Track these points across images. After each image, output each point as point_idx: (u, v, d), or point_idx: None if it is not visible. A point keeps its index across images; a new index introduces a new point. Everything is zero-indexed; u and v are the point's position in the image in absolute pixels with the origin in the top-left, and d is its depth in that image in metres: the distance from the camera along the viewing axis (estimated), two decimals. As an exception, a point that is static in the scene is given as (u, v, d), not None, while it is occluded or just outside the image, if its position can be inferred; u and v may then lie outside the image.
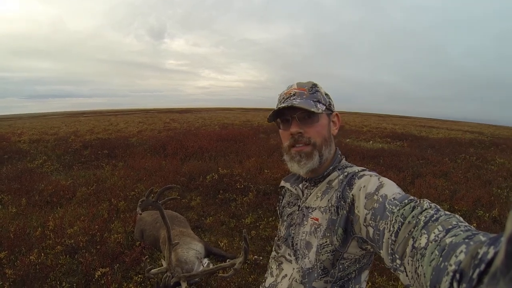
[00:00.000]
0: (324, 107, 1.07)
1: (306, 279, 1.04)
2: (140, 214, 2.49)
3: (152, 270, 2.53)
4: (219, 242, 3.98)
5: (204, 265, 3.07)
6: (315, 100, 1.07)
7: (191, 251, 3.16)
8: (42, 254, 3.56)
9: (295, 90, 1.09)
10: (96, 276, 3.14)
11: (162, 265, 2.64)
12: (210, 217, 4.77)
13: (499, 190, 6.50)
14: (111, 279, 3.10)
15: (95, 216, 4.66)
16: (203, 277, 2.94)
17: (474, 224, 4.65)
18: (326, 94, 1.12)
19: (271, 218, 4.78)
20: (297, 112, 1.04)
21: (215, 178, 6.43)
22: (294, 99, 1.06)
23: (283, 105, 1.05)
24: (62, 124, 22.48)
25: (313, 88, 1.09)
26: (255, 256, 3.61)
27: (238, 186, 6.01)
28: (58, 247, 3.71)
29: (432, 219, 0.61)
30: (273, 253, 1.32)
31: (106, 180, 6.58)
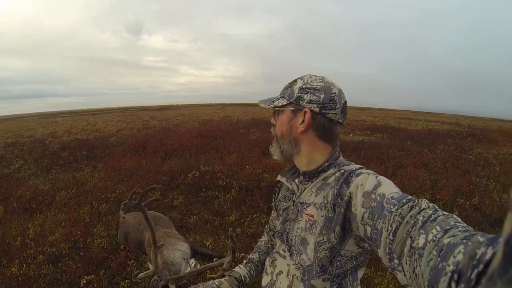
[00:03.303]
0: (285, 102, 1.10)
1: (306, 277, 1.05)
2: (124, 217, 2.46)
3: (140, 275, 2.51)
4: (205, 241, 3.96)
5: (191, 266, 3.06)
6: (280, 96, 1.14)
7: (177, 252, 3.14)
8: (24, 265, 3.46)
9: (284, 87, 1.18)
10: (82, 284, 3.07)
11: (149, 269, 2.62)
12: (194, 216, 4.74)
13: (477, 179, 6.73)
14: (97, 287, 3.05)
15: (76, 221, 4.56)
16: (191, 278, 2.93)
17: (456, 212, 4.79)
18: (303, 89, 1.08)
19: (255, 215, 4.79)
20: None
21: (197, 175, 6.40)
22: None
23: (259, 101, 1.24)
24: (38, 126, 21.83)
25: (291, 84, 1.13)
26: (242, 254, 3.62)
27: (220, 183, 5.99)
28: (40, 256, 3.60)
29: (430, 219, 0.62)
30: (263, 236, 1.43)
31: (86, 183, 6.43)
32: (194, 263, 3.15)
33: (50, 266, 3.47)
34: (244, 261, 1.53)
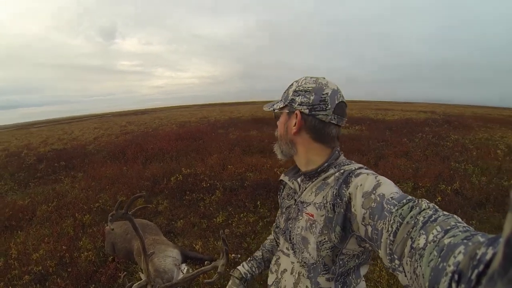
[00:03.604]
0: (282, 105, 1.12)
1: (312, 274, 1.05)
2: (112, 229, 2.41)
3: (133, 286, 2.47)
4: (194, 245, 3.94)
5: (184, 271, 3.04)
6: (280, 99, 1.17)
7: (168, 258, 3.11)
8: (10, 287, 3.37)
9: None
10: (73, 302, 3.01)
11: (141, 279, 2.58)
12: (181, 220, 4.71)
13: (457, 164, 6.98)
14: (89, 302, 3.00)
15: (60, 235, 4.44)
16: (185, 284, 2.91)
17: (439, 198, 4.94)
18: (296, 91, 1.09)
19: (242, 214, 4.80)
20: None
21: (180, 179, 6.36)
22: None
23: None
24: (12, 138, 21.32)
25: (288, 88, 1.14)
26: (233, 254, 3.62)
27: (204, 185, 5.98)
28: (26, 276, 3.49)
29: (431, 219, 0.62)
30: (271, 235, 1.39)
31: (67, 194, 6.29)
32: (186, 268, 3.13)
33: (38, 286, 3.37)
34: (248, 259, 1.52)
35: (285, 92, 1.15)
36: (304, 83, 1.08)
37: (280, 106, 1.13)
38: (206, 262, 3.23)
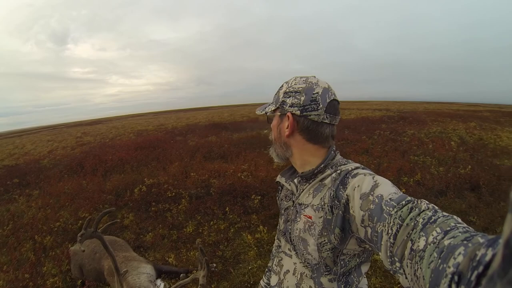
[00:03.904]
0: (274, 108, 1.12)
1: (315, 274, 1.05)
2: (83, 250, 2.30)
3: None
4: (166, 258, 3.85)
5: (161, 287, 2.95)
6: (271, 101, 1.16)
7: (142, 275, 3.01)
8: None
9: None
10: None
11: (116, 300, 2.49)
12: (149, 233, 4.59)
13: (415, 157, 7.38)
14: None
15: (20, 261, 4.14)
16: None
17: (403, 190, 5.12)
18: (286, 93, 1.07)
19: (212, 222, 4.76)
20: None
21: (143, 190, 6.20)
22: None
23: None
24: (-44, 156, 19.88)
25: (279, 88, 1.13)
26: (209, 264, 3.57)
27: (169, 195, 5.88)
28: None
29: (430, 221, 0.62)
30: (276, 241, 1.35)
31: (23, 215, 5.88)
32: (162, 284, 3.04)
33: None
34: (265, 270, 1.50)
35: (276, 94, 1.14)
36: (294, 84, 1.07)
37: (272, 109, 1.12)
38: (181, 275, 3.16)
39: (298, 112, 1.04)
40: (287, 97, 1.07)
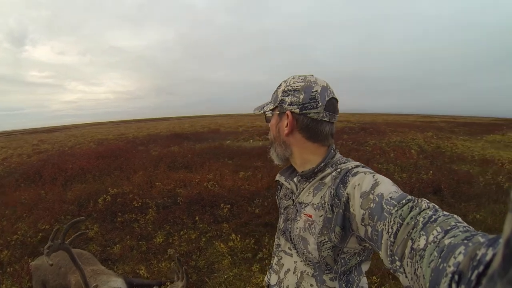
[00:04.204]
0: (272, 107, 1.11)
1: (317, 272, 1.05)
2: (52, 264, 2.16)
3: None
4: (137, 270, 3.71)
5: (133, 302, 2.82)
6: (270, 100, 1.15)
7: (113, 290, 2.86)
8: None
9: None
10: None
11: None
12: (117, 245, 4.40)
13: (379, 165, 7.73)
14: None
15: None
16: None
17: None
18: (285, 91, 1.07)
19: (182, 232, 4.67)
20: None
21: (108, 200, 5.97)
22: None
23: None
24: None
25: (277, 88, 1.12)
26: (188, 274, 3.49)
27: (135, 204, 5.70)
28: None
29: (431, 220, 0.62)
30: (276, 240, 1.32)
31: None
32: (134, 298, 2.91)
33: None
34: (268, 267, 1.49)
35: (274, 93, 1.13)
36: (293, 82, 1.06)
37: (271, 108, 1.12)
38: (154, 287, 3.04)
39: (297, 110, 1.04)
40: (286, 96, 1.06)
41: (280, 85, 1.11)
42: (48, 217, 5.43)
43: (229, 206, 5.45)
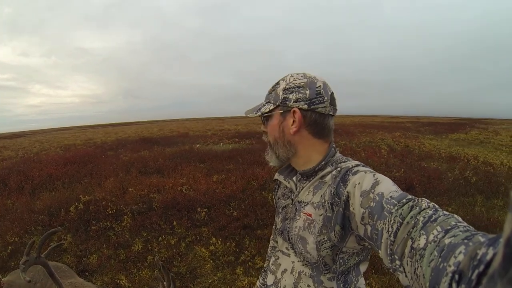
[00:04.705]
0: (272, 107, 1.07)
1: (315, 273, 1.04)
2: (29, 281, 2.05)
3: None
4: (117, 281, 3.61)
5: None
6: (266, 101, 1.11)
7: (94, 303, 2.76)
8: None
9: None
10: None
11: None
12: (93, 255, 4.25)
13: None
14: None
15: None
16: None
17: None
18: (287, 89, 1.05)
19: (160, 238, 4.60)
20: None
21: (80, 208, 5.75)
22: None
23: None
24: None
25: (274, 87, 1.10)
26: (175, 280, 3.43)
27: (109, 211, 5.54)
28: None
29: (431, 219, 0.62)
30: (272, 242, 1.34)
31: None
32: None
33: None
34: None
35: (270, 93, 1.11)
36: (293, 80, 1.05)
37: (271, 108, 1.08)
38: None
39: (305, 106, 1.03)
40: (289, 93, 1.04)
41: (278, 83, 1.09)
42: (17, 229, 5.18)
43: (206, 209, 5.42)
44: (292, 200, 1.13)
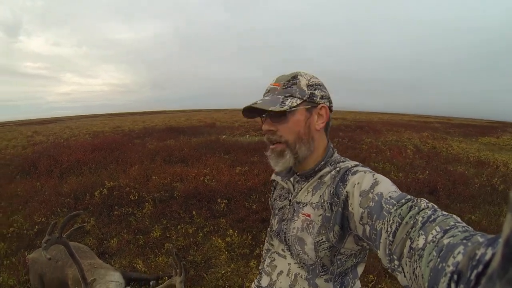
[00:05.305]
0: (299, 101, 1.02)
1: (311, 275, 1.04)
2: (50, 258, 2.13)
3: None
4: (134, 264, 3.71)
5: (131, 296, 2.82)
6: (287, 95, 1.02)
7: (111, 284, 2.84)
8: None
9: (271, 86, 1.08)
10: None
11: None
12: (114, 239, 4.38)
13: (375, 164, 7.76)
14: None
15: None
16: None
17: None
18: (310, 85, 1.04)
19: (179, 226, 4.66)
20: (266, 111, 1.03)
21: (104, 193, 5.94)
22: (267, 95, 1.07)
23: (246, 106, 1.05)
24: None
25: (291, 81, 1.04)
26: (187, 269, 3.50)
27: (132, 198, 5.68)
28: None
29: (430, 219, 0.62)
30: (266, 245, 1.30)
31: None
32: (132, 292, 2.90)
33: None
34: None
35: (291, 87, 1.04)
36: (311, 78, 1.06)
37: (297, 103, 1.02)
38: (152, 282, 3.02)
39: (328, 104, 1.07)
40: (314, 90, 1.04)
41: (297, 78, 1.05)
42: (44, 210, 5.41)
43: (226, 201, 5.45)
44: (290, 201, 1.13)
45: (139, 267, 3.64)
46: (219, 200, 5.45)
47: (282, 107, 1.00)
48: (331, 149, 1.10)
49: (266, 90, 1.09)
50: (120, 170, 7.86)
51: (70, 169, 8.18)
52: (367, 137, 12.63)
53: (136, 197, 5.71)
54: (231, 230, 4.39)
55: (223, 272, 3.56)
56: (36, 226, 4.79)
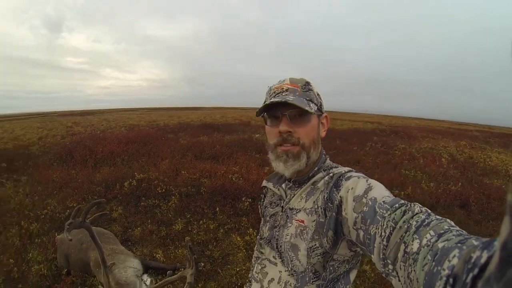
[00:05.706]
0: (316, 107, 1.05)
1: (299, 284, 1.03)
2: (71, 240, 2.25)
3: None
4: (154, 254, 3.81)
5: (147, 283, 2.91)
6: (307, 98, 1.03)
7: (129, 269, 2.96)
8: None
9: (288, 86, 1.04)
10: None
11: (102, 292, 2.45)
12: (138, 228, 4.54)
13: (406, 171, 7.45)
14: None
15: (5, 246, 4.02)
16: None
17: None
18: (318, 94, 1.08)
19: (201, 221, 4.74)
20: (289, 109, 1.00)
21: (133, 184, 6.12)
22: (287, 95, 1.01)
23: (275, 99, 1.00)
24: None
25: (306, 86, 1.05)
26: (198, 263, 3.55)
27: (159, 191, 5.81)
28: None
29: (424, 223, 0.62)
30: (256, 252, 1.30)
31: (10, 200, 5.75)
32: (149, 279, 3.00)
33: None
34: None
35: (305, 91, 1.04)
36: (314, 86, 1.08)
37: (315, 108, 1.05)
38: (168, 272, 3.12)
39: (325, 113, 1.11)
40: (320, 99, 1.09)
41: (309, 84, 1.06)
42: (76, 196, 5.67)
43: (250, 200, 5.45)
44: (282, 207, 1.12)
45: (159, 256, 3.74)
46: (243, 199, 5.46)
47: (311, 110, 1.00)
48: (323, 155, 1.12)
49: (283, 89, 1.04)
50: (151, 163, 8.03)
51: (104, 160, 8.47)
52: (401, 143, 12.25)
53: (164, 190, 5.84)
54: (251, 229, 4.41)
55: (238, 269, 3.59)
56: (68, 210, 5.02)
